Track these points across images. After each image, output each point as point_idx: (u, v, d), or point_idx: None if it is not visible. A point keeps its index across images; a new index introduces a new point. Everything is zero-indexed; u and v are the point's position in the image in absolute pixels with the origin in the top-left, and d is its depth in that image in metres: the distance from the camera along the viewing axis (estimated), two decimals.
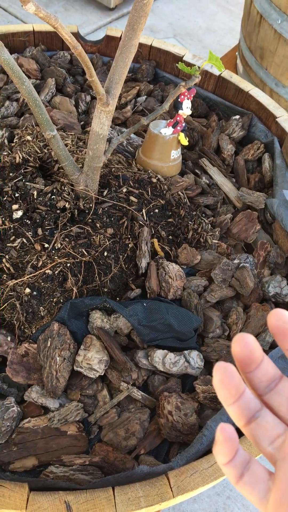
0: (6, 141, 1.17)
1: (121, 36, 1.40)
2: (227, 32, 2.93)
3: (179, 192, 1.14)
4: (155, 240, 1.05)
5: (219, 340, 0.98)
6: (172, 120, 1.10)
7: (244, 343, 0.37)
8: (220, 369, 0.37)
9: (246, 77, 2.15)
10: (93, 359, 0.88)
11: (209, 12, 3.04)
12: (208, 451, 0.83)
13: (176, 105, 1.07)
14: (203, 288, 1.02)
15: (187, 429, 0.86)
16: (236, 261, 1.06)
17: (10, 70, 0.85)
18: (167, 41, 2.76)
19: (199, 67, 0.88)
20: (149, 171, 1.14)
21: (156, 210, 1.08)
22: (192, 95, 1.05)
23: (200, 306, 0.99)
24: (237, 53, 2.37)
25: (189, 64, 1.36)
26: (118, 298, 0.99)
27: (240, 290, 1.02)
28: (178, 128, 1.10)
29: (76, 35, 1.41)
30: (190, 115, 1.38)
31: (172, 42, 2.79)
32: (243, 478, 0.38)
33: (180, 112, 1.08)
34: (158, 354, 0.91)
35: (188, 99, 1.06)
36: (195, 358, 0.93)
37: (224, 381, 0.37)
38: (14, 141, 1.17)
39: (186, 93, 1.05)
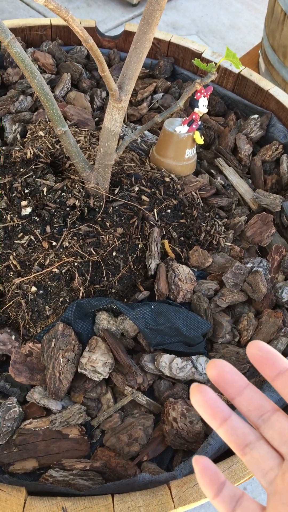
0: (18, 136, 1.15)
1: None
2: (251, 30, 2.87)
3: (193, 192, 1.11)
4: (166, 241, 1.02)
5: (229, 346, 0.95)
6: (187, 118, 1.07)
7: (219, 368, 0.39)
8: (195, 389, 0.39)
9: (268, 76, 2.10)
10: (97, 362, 0.86)
11: (233, 9, 2.99)
12: (213, 461, 0.80)
13: (192, 103, 1.04)
14: (213, 292, 1.00)
15: (192, 437, 0.84)
16: (249, 265, 1.02)
17: (21, 63, 0.83)
18: (189, 38, 2.73)
19: (215, 64, 0.84)
20: (163, 170, 1.12)
21: (168, 210, 1.05)
22: (209, 93, 1.02)
23: (210, 311, 0.96)
24: (259, 51, 2.32)
25: (207, 61, 1.33)
26: (125, 300, 0.97)
27: (252, 295, 0.99)
28: (194, 126, 1.07)
29: (94, 30, 1.39)
30: (207, 113, 1.34)
31: (194, 39, 2.76)
32: None
33: (195, 110, 1.05)
34: (165, 358, 0.89)
35: (204, 96, 1.03)
36: (203, 364, 0.90)
37: (200, 400, 0.38)
38: (27, 136, 1.15)
39: (202, 91, 1.02)
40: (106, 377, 0.86)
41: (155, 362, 0.89)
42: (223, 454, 0.83)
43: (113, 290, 0.96)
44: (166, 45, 1.38)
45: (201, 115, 1.06)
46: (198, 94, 1.02)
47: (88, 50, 0.72)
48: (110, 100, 0.86)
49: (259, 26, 2.90)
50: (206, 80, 0.85)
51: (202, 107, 1.04)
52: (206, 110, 1.05)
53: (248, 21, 2.93)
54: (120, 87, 0.85)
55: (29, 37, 1.36)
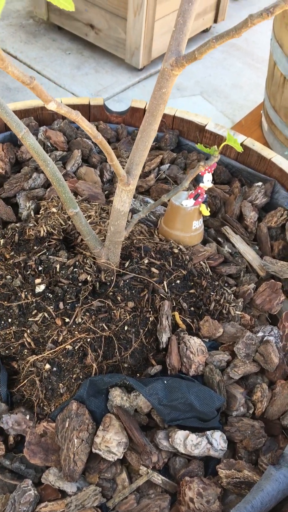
0: (32, 212, 1.20)
1: (145, 108, 1.45)
2: (253, 88, 2.99)
3: (201, 262, 1.14)
4: (177, 313, 1.04)
5: (243, 419, 0.94)
6: (193, 192, 1.11)
7: None
8: None
9: (271, 135, 2.17)
10: (111, 441, 0.86)
11: (235, 69, 3.12)
12: None
13: (197, 178, 1.09)
14: (226, 364, 1.00)
15: None
16: (260, 333, 1.03)
17: (35, 153, 0.89)
18: (193, 98, 2.84)
19: (217, 147, 0.89)
20: (171, 241, 1.15)
21: (178, 281, 1.08)
22: (213, 169, 1.07)
23: (223, 384, 0.96)
24: (262, 111, 2.41)
25: (211, 133, 1.39)
26: (138, 374, 0.98)
27: (264, 366, 0.99)
28: (200, 199, 1.11)
29: (102, 108, 1.46)
30: (213, 182, 1.39)
31: (198, 99, 2.87)
32: None
33: (201, 185, 1.09)
34: (179, 435, 0.89)
35: (208, 172, 1.07)
36: (218, 440, 0.90)
37: None
38: (40, 212, 1.20)
39: (206, 167, 1.06)
40: (121, 457, 0.86)
41: (170, 439, 0.89)
42: None
43: (125, 365, 0.97)
44: (171, 119, 1.45)
45: (206, 189, 1.10)
46: (203, 170, 1.06)
47: (98, 144, 0.77)
48: (119, 183, 0.91)
49: (261, 84, 3.01)
50: (209, 163, 0.89)
51: (207, 182, 1.08)
52: (211, 185, 1.09)
53: (250, 80, 3.05)
54: (128, 172, 0.90)
55: (41, 116, 1.44)
